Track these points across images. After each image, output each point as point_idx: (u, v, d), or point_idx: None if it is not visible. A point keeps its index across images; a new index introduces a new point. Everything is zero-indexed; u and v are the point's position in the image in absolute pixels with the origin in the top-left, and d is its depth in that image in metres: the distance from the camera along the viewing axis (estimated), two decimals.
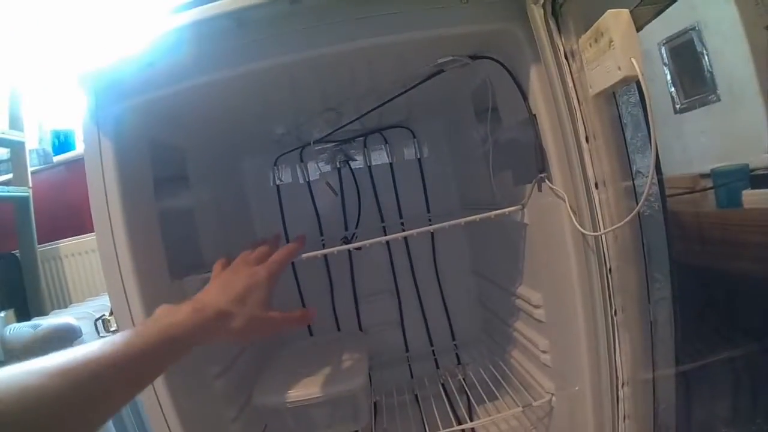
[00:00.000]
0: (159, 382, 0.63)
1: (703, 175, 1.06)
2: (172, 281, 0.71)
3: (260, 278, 0.60)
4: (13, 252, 1.63)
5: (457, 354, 1.14)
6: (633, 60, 0.48)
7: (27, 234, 1.60)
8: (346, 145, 1.06)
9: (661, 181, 0.57)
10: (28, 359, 0.94)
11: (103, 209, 0.62)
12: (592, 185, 0.59)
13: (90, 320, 0.99)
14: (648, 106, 0.52)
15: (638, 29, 0.51)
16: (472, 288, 1.16)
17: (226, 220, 0.97)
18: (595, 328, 0.63)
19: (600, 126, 0.59)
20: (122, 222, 0.62)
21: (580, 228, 0.58)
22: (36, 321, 0.97)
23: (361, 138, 1.09)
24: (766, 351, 0.72)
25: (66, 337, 0.91)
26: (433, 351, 1.14)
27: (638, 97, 0.60)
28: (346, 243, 1.08)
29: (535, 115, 0.64)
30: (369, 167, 1.11)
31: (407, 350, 1.15)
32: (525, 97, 0.66)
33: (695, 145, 1.25)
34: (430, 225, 1.08)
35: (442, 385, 0.97)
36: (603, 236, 0.58)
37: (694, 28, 1.17)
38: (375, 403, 0.89)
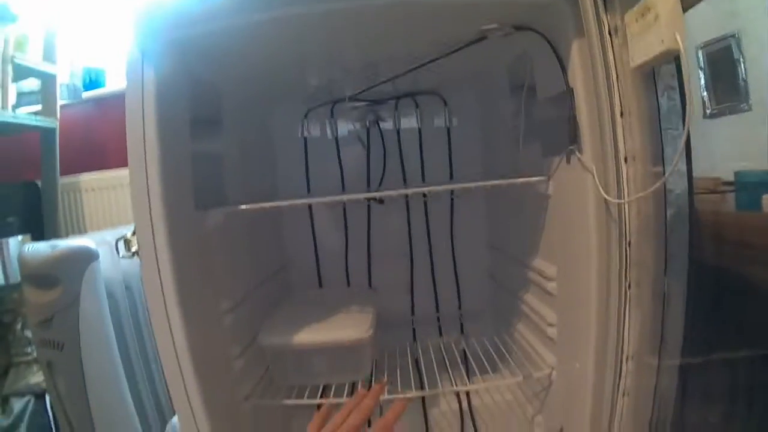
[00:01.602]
0: (173, 307, 0.65)
1: (726, 183, 1.06)
2: (196, 211, 0.72)
3: None
4: (35, 181, 1.67)
5: (461, 323, 1.16)
6: (677, 34, 0.49)
7: (50, 164, 1.62)
8: (378, 105, 1.07)
9: (689, 159, 0.58)
10: (44, 278, 0.96)
11: (139, 134, 0.63)
12: (622, 159, 0.61)
13: (107, 246, 1.01)
14: (686, 82, 0.53)
15: (684, 10, 0.52)
16: (485, 261, 1.18)
17: (250, 163, 0.98)
18: (607, 301, 0.64)
19: (636, 102, 0.60)
20: (156, 146, 0.62)
21: (605, 195, 0.59)
22: (54, 242, 0.99)
23: (393, 100, 1.10)
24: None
25: (83, 258, 0.94)
26: (438, 317, 1.17)
27: (676, 81, 0.61)
28: (369, 201, 1.10)
29: (572, 88, 0.65)
30: (398, 130, 1.12)
31: (413, 313, 1.17)
32: (564, 70, 0.66)
33: (721, 151, 1.25)
34: (453, 194, 1.11)
35: (444, 351, 0.99)
36: (626, 208, 0.60)
37: (733, 35, 1.16)
38: (375, 362, 0.91)
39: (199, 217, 0.73)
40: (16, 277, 1.44)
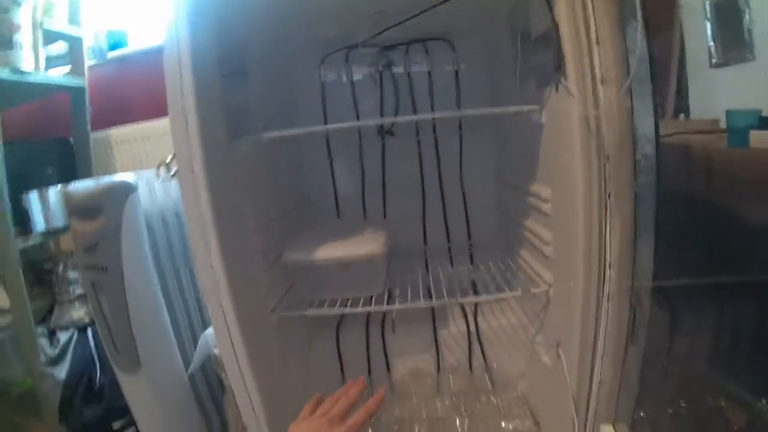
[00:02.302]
0: (209, 224, 0.73)
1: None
2: (228, 141, 0.81)
3: None
4: (68, 138, 1.77)
5: (471, 254, 1.25)
6: None
7: (81, 121, 1.73)
8: (390, 51, 1.13)
9: (654, 80, 0.66)
10: (88, 209, 1.05)
11: (176, 77, 0.70)
12: (599, 81, 0.69)
13: (144, 182, 1.11)
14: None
15: None
16: (493, 194, 1.26)
17: (273, 107, 1.07)
18: (590, 212, 0.72)
19: (609, 32, 0.69)
20: (192, 89, 0.70)
21: (584, 110, 0.68)
22: (95, 180, 1.09)
23: (403, 46, 1.16)
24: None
25: (123, 190, 1.03)
26: (449, 248, 1.26)
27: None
28: (382, 133, 1.18)
29: (557, 23, 0.72)
30: (408, 73, 1.19)
31: (425, 243, 1.26)
32: (551, 8, 0.74)
33: (725, 99, 1.29)
34: (461, 131, 1.18)
35: (453, 280, 1.07)
36: (603, 125, 0.68)
37: None
38: (388, 282, 1.00)
39: (230, 147, 0.81)
40: (56, 223, 1.55)
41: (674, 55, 0.88)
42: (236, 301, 0.78)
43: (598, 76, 0.69)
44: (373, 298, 0.94)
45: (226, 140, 0.80)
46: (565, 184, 0.77)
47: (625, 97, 0.69)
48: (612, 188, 0.70)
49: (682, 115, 0.88)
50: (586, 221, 0.73)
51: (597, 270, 0.74)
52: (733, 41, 1.28)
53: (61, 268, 1.60)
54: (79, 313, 1.54)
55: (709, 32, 1.36)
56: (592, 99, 0.69)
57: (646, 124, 0.69)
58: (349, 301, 0.93)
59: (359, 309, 0.90)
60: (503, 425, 0.98)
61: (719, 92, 1.30)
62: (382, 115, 1.17)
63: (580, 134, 0.70)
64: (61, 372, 1.43)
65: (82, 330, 1.51)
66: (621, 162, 0.69)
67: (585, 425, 0.83)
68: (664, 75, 0.82)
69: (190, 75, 0.70)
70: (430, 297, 0.96)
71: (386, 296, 0.97)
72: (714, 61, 1.36)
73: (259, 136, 0.84)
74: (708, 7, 1.33)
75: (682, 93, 0.90)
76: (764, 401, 0.70)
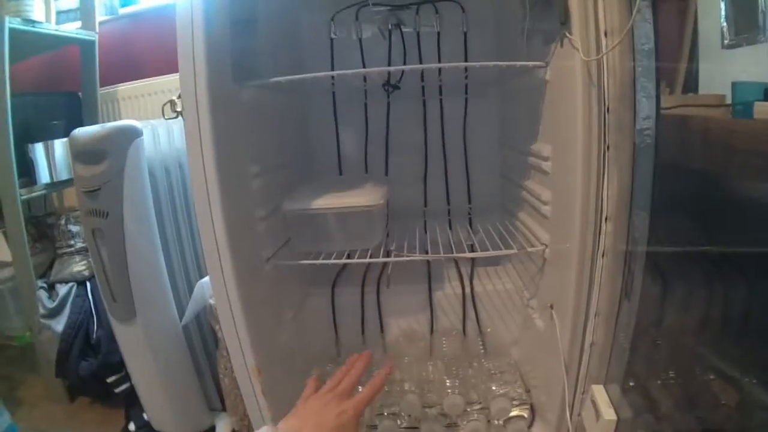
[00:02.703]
0: (210, 164, 0.74)
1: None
2: (234, 83, 0.81)
3: (349, 417, 0.66)
4: (76, 92, 1.78)
5: (470, 218, 1.25)
6: None
7: (90, 76, 1.73)
8: (399, 11, 1.12)
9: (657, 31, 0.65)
10: (92, 153, 1.05)
11: (187, 15, 0.70)
12: (602, 33, 0.69)
13: (149, 128, 1.11)
14: None
15: None
16: (496, 160, 1.26)
17: (282, 60, 1.07)
18: (588, 165, 0.73)
19: None
20: (202, 24, 0.70)
21: (584, 57, 0.68)
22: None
23: (414, 6, 1.15)
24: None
25: (128, 134, 1.03)
26: (449, 210, 1.26)
27: None
28: (387, 88, 1.18)
29: None
30: (417, 33, 1.18)
31: (426, 204, 1.27)
32: None
33: (736, 78, 1.28)
34: (467, 94, 1.17)
35: (452, 243, 1.07)
36: (605, 75, 0.69)
37: None
38: (387, 235, 1.00)
39: (236, 89, 0.82)
40: (60, 176, 1.56)
41: (687, 33, 0.88)
42: (233, 245, 0.78)
43: (602, 28, 0.69)
44: (370, 252, 0.94)
45: (231, 81, 0.81)
46: (565, 139, 0.77)
47: (627, 49, 0.69)
48: (611, 140, 0.71)
49: (690, 94, 0.87)
50: (584, 174, 0.73)
51: (594, 225, 0.75)
52: (747, 23, 1.27)
53: (63, 221, 1.61)
54: (79, 266, 1.55)
55: (723, 12, 1.35)
56: (595, 50, 0.69)
57: (648, 87, 0.69)
58: (346, 254, 0.93)
59: (355, 260, 0.90)
60: (494, 389, 0.99)
61: (728, 73, 1.29)
62: (389, 74, 1.16)
63: (581, 83, 0.70)
64: (59, 325, 1.45)
65: (81, 284, 1.52)
66: (621, 114, 0.69)
67: (576, 386, 0.84)
68: (676, 52, 0.81)
69: (201, 13, 0.70)
70: (426, 249, 0.96)
71: (382, 251, 0.97)
72: (726, 42, 1.35)
73: (266, 80, 0.84)
74: None
75: (691, 70, 0.89)
76: (753, 378, 0.70)
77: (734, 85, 1.06)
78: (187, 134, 0.74)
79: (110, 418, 1.47)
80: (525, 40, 0.90)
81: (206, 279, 1.10)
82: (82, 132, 1.07)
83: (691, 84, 0.86)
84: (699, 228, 0.76)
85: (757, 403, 0.61)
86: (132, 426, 1.38)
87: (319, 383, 0.77)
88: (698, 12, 0.89)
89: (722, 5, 1.41)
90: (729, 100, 1.17)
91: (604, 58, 0.69)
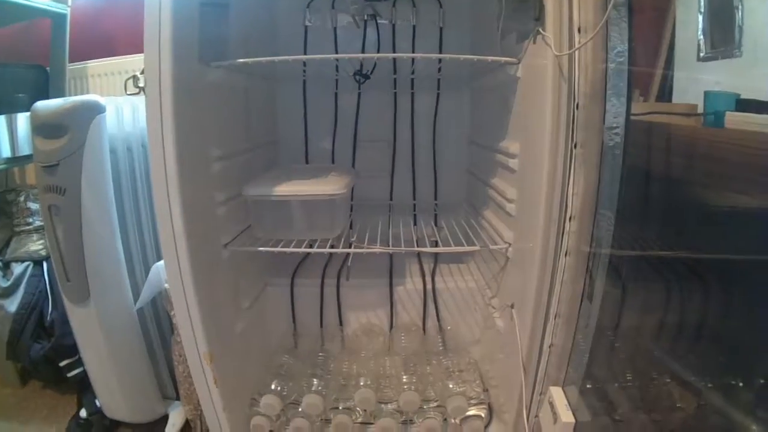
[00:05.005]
0: (170, 143, 0.72)
1: None
2: (200, 63, 0.80)
3: None
4: (44, 66, 1.72)
5: (435, 215, 1.25)
6: None
7: (60, 50, 1.67)
8: (377, 2, 1.11)
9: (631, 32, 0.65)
10: (53, 127, 1.02)
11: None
12: (576, 29, 0.69)
13: (113, 105, 1.08)
14: None
15: None
16: (463, 159, 1.26)
17: (253, 44, 1.05)
18: (555, 162, 0.72)
19: None
20: (170, 9, 0.69)
21: (556, 52, 0.67)
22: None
23: None
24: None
25: (90, 108, 1.00)
26: (414, 205, 1.25)
27: None
28: (358, 77, 1.16)
29: None
30: (393, 25, 1.17)
31: (391, 198, 1.26)
32: None
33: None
34: (439, 89, 1.17)
35: (416, 237, 1.07)
36: (575, 73, 0.69)
37: None
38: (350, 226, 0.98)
39: (201, 68, 0.80)
40: (22, 151, 1.51)
41: (664, 43, 0.88)
42: (189, 227, 0.76)
43: (576, 24, 0.69)
44: (331, 242, 0.93)
45: (197, 60, 0.79)
46: (533, 135, 0.77)
47: (601, 48, 0.68)
48: (580, 138, 0.70)
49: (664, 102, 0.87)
50: (550, 171, 0.73)
51: (557, 223, 0.75)
52: (723, 38, 1.29)
53: (23, 198, 1.55)
54: (36, 245, 1.50)
55: (700, 26, 1.37)
56: (567, 45, 0.69)
57: (620, 86, 0.69)
58: (306, 243, 0.91)
59: (315, 249, 0.89)
60: (451, 387, 0.98)
61: (702, 84, 1.32)
62: (362, 64, 1.15)
63: (552, 78, 0.70)
64: (12, 305, 1.40)
65: (37, 263, 1.47)
66: (591, 111, 0.69)
67: (534, 388, 0.84)
68: (652, 60, 0.81)
69: None
70: (388, 242, 0.96)
71: (344, 243, 0.96)
72: (701, 54, 1.37)
73: (233, 61, 0.82)
74: (702, 1, 1.34)
75: (666, 78, 0.90)
76: (708, 383, 0.70)
77: (707, 94, 1.08)
78: (147, 108, 0.72)
79: (62, 404, 1.44)
80: (499, 37, 0.90)
81: (162, 263, 1.07)
82: (43, 105, 1.03)
83: (665, 92, 0.87)
84: (662, 233, 0.77)
85: (712, 407, 0.61)
86: (83, 412, 1.33)
87: None
88: (676, 23, 0.89)
89: (700, 19, 1.43)
90: (701, 110, 1.19)
91: (576, 54, 0.68)
